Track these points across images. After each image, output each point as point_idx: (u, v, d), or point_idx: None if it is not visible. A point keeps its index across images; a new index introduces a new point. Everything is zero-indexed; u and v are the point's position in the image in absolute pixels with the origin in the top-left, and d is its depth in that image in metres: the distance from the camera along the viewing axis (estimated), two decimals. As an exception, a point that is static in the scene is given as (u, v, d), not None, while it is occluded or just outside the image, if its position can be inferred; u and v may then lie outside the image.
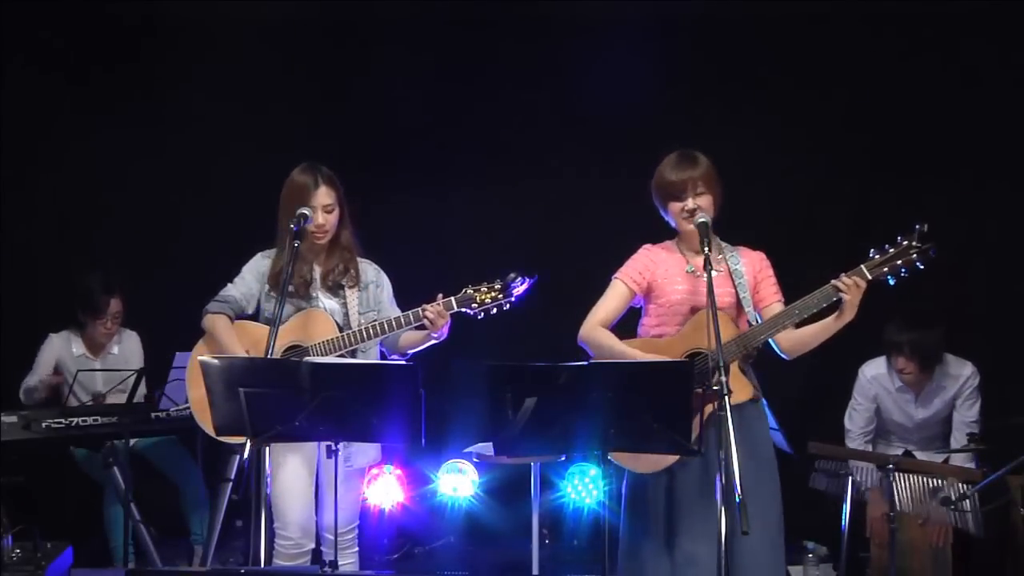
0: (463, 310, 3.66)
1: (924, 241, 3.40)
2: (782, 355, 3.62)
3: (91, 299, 5.31)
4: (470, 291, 3.67)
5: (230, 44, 5.84)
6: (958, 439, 4.80)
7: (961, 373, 4.80)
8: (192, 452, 5.41)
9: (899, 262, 3.41)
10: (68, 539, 4.13)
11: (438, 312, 3.63)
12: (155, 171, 5.91)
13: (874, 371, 4.89)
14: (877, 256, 3.43)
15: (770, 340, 3.56)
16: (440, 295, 3.68)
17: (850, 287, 3.41)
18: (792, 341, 3.57)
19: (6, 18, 5.62)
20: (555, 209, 5.84)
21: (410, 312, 3.70)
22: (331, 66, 6.00)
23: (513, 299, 3.65)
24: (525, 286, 3.66)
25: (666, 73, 5.63)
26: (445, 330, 3.70)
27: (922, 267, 3.40)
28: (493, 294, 3.64)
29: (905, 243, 3.42)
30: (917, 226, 3.41)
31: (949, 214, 5.22)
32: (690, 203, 3.53)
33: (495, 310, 3.67)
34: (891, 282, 3.43)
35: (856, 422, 4.96)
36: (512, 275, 3.66)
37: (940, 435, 4.94)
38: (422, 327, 3.71)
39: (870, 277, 3.41)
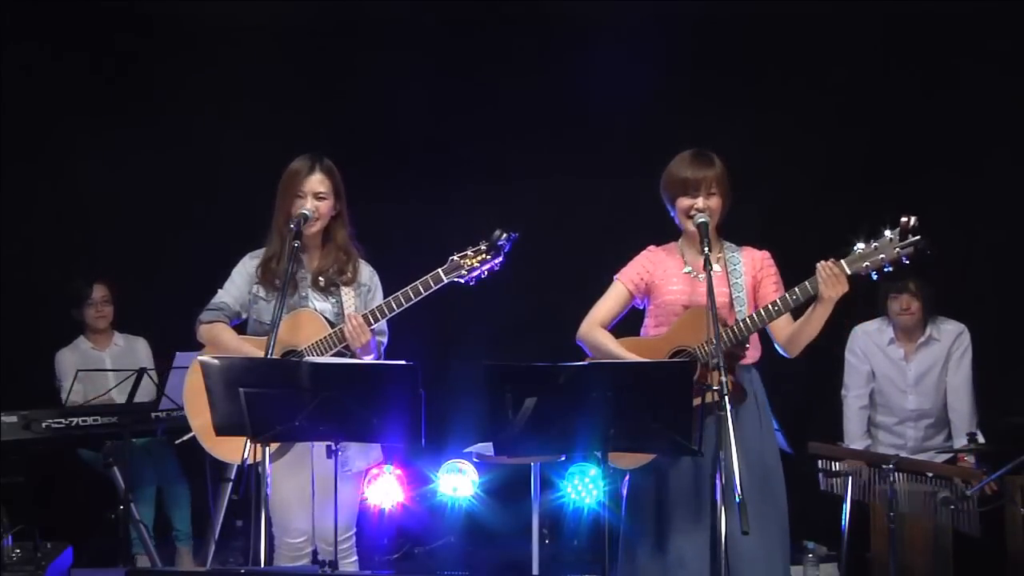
0: (453, 279, 3.49)
1: (911, 235, 3.22)
2: (783, 353, 3.58)
3: (75, 292, 5.59)
4: (456, 258, 3.49)
5: (230, 47, 5.85)
6: (957, 409, 4.81)
7: (954, 329, 4.91)
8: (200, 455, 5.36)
9: (881, 256, 3.24)
10: (68, 539, 4.13)
11: (358, 324, 3.50)
12: (153, 172, 5.90)
13: (866, 327, 4.99)
14: (859, 250, 3.28)
15: (773, 342, 3.55)
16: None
17: (827, 273, 3.28)
18: (786, 336, 3.51)
19: (7, 16, 5.62)
20: (555, 209, 5.84)
21: (399, 294, 3.53)
22: (331, 68, 6.00)
23: (502, 257, 3.48)
24: (509, 242, 3.49)
25: (665, 73, 5.63)
26: (371, 347, 3.55)
27: (908, 263, 3.22)
28: (481, 256, 3.47)
29: (889, 237, 3.25)
30: (903, 219, 3.23)
31: (950, 213, 5.22)
32: (700, 202, 3.51)
33: (486, 273, 3.48)
34: (874, 277, 3.32)
35: (852, 383, 4.98)
36: (497, 232, 3.48)
37: (939, 425, 4.92)
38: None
39: (848, 272, 3.28)
